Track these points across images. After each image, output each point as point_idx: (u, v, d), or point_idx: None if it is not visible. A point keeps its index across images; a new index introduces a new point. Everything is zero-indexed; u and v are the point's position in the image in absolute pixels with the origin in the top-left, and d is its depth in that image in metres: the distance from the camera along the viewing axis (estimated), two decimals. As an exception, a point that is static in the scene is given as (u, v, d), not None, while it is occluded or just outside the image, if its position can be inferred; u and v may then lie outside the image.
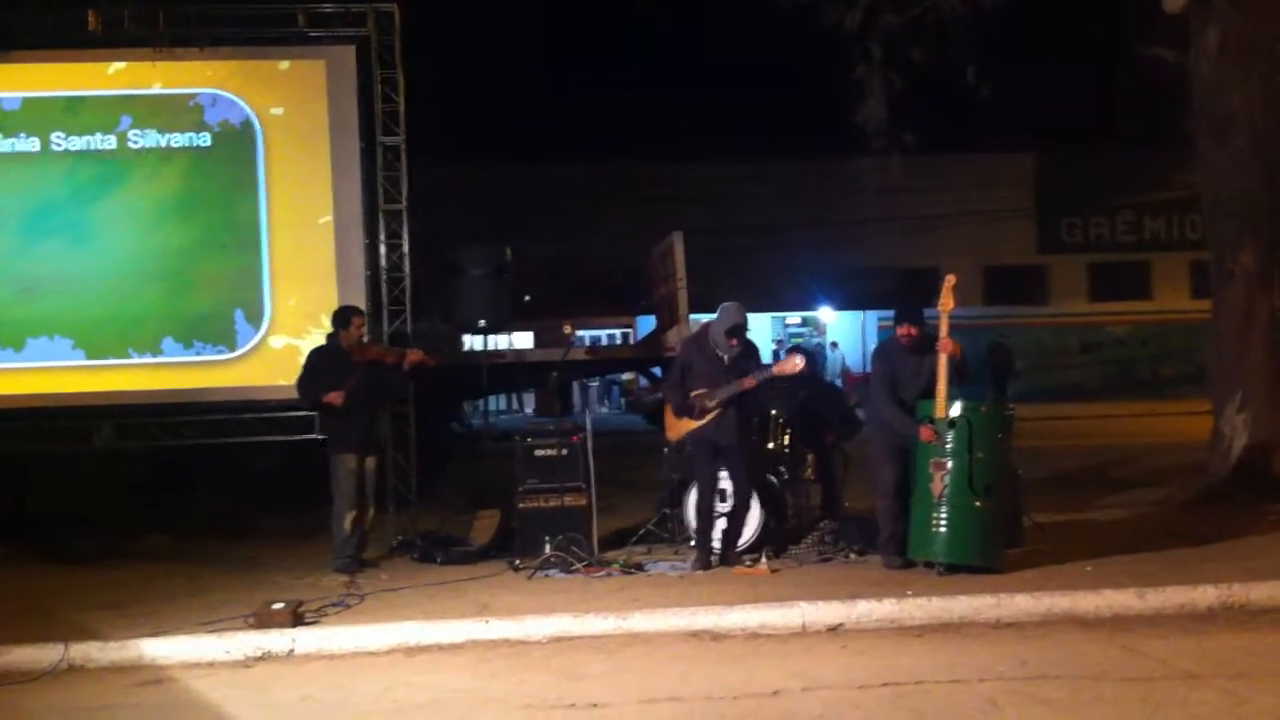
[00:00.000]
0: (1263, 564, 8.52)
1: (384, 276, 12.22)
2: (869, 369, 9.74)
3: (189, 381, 11.70)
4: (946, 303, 8.79)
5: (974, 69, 13.16)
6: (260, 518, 11.99)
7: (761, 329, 30.00)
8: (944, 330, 8.74)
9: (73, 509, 11.59)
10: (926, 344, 8.87)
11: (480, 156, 27.17)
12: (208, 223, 11.88)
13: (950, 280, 8.89)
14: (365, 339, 10.05)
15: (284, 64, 12.15)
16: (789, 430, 10.12)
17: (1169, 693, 6.08)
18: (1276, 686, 6.12)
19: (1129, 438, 19.06)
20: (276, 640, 7.37)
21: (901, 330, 9.01)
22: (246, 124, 11.95)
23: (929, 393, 8.75)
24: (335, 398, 9.50)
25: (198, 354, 11.74)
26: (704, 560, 9.26)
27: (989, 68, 13.25)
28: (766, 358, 11.52)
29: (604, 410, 32.18)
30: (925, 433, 8.63)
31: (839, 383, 26.62)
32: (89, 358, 11.61)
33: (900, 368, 9.01)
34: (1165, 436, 17.23)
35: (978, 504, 8.50)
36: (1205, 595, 7.82)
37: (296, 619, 7.60)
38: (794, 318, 33.51)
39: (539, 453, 9.84)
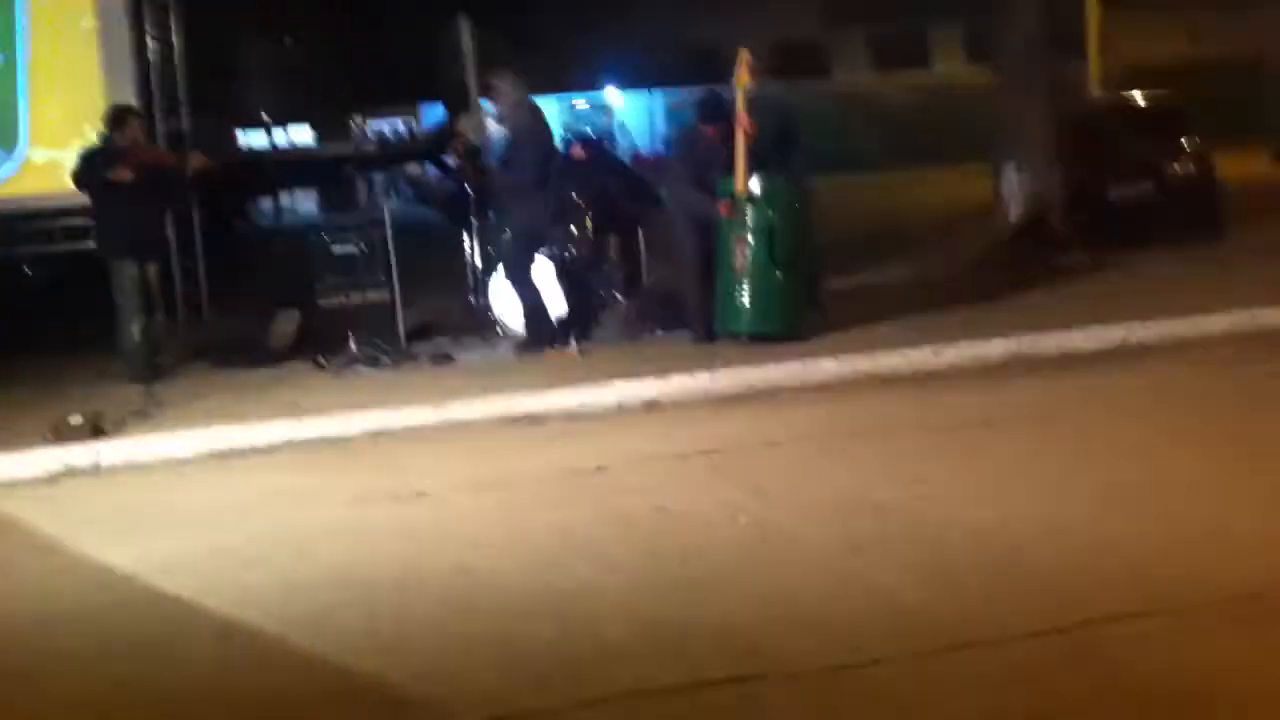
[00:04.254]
0: (1048, 317, 8.92)
1: (154, 74, 11.58)
2: (663, 152, 9.68)
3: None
4: (742, 77, 8.74)
5: None
6: (40, 328, 11.34)
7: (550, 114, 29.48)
8: (741, 107, 8.70)
9: None
10: (730, 131, 8.82)
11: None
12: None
13: (744, 55, 8.82)
14: (142, 141, 9.47)
15: None
16: (589, 214, 10.05)
17: (975, 439, 6.42)
18: (1070, 429, 6.51)
19: (914, 205, 19.54)
20: (79, 454, 7.11)
21: (710, 130, 8.94)
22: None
23: (729, 170, 8.77)
24: (124, 173, 8.79)
25: None
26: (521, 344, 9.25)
27: None
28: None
29: (392, 203, 31.42)
30: (724, 209, 8.68)
31: (629, 166, 26.52)
32: None
33: (705, 153, 8.99)
34: (949, 202, 17.69)
35: (779, 275, 8.66)
36: (996, 349, 8.20)
37: (97, 431, 7.33)
38: (581, 101, 33.00)
39: (337, 249, 9.61)
